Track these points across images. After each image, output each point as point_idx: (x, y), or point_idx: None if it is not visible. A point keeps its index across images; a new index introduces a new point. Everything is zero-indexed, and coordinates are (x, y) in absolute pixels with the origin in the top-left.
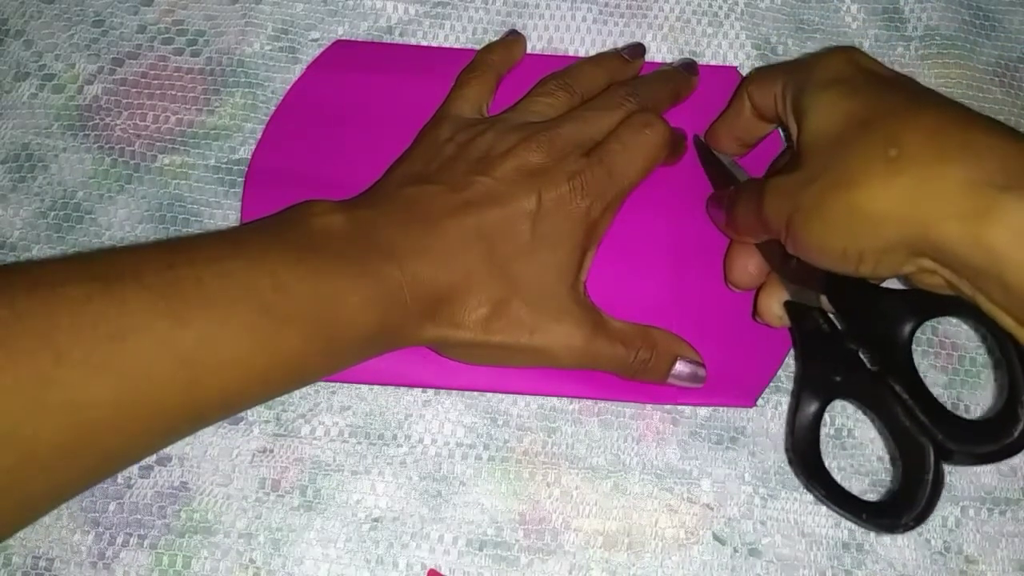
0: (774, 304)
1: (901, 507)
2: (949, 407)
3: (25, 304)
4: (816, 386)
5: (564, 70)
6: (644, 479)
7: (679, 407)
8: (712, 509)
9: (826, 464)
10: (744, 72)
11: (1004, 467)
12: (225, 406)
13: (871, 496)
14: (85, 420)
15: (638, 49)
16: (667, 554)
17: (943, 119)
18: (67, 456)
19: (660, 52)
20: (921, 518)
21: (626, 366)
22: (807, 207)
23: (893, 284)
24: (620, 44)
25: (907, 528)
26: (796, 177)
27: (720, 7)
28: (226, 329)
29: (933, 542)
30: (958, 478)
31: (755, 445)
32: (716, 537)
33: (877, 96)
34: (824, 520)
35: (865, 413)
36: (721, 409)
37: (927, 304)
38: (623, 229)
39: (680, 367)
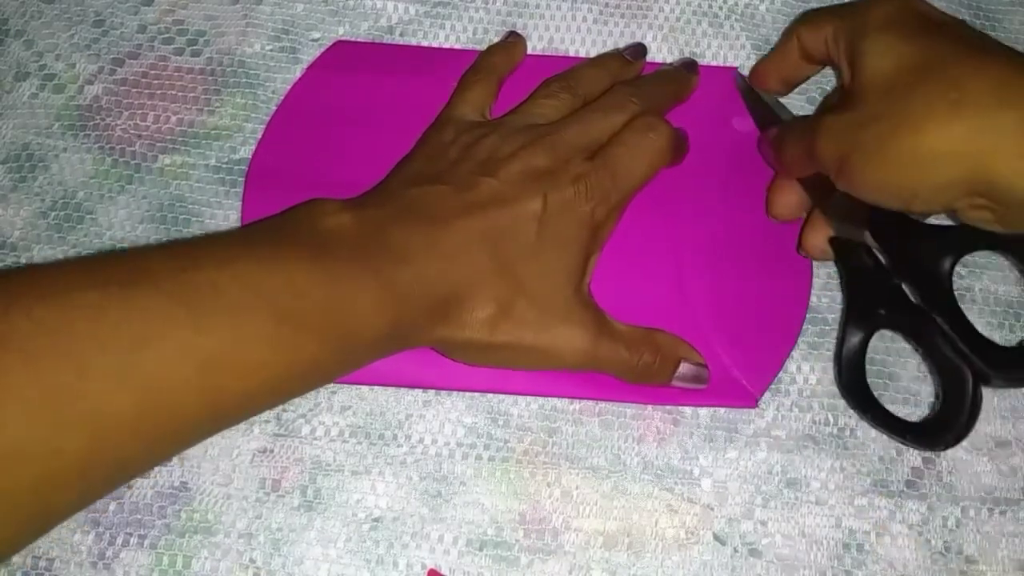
0: (819, 239)
1: (943, 428)
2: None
3: (42, 312)
4: (861, 319)
5: (566, 72)
6: (644, 479)
7: (680, 407)
8: (712, 509)
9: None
10: (745, 72)
11: (1004, 467)
12: (243, 412)
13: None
14: (108, 431)
15: (639, 50)
16: (667, 554)
17: (1005, 68)
18: (90, 468)
19: (660, 52)
20: (960, 437)
21: (630, 369)
22: (867, 147)
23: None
24: (620, 44)
25: (947, 446)
26: (852, 117)
27: (720, 8)
28: (245, 335)
29: (933, 542)
30: (958, 478)
31: (756, 445)
32: (716, 537)
33: (935, 42)
34: (824, 520)
35: (908, 343)
36: (722, 409)
37: (969, 239)
38: (626, 231)
39: (684, 370)
